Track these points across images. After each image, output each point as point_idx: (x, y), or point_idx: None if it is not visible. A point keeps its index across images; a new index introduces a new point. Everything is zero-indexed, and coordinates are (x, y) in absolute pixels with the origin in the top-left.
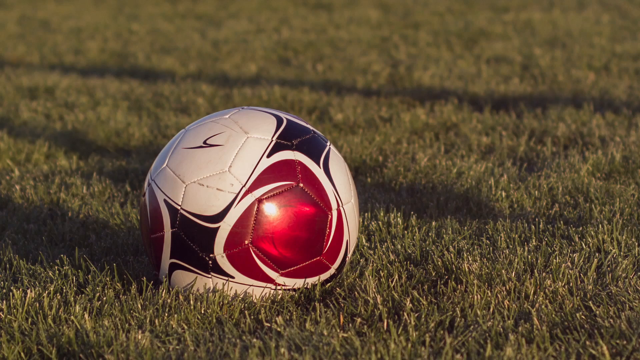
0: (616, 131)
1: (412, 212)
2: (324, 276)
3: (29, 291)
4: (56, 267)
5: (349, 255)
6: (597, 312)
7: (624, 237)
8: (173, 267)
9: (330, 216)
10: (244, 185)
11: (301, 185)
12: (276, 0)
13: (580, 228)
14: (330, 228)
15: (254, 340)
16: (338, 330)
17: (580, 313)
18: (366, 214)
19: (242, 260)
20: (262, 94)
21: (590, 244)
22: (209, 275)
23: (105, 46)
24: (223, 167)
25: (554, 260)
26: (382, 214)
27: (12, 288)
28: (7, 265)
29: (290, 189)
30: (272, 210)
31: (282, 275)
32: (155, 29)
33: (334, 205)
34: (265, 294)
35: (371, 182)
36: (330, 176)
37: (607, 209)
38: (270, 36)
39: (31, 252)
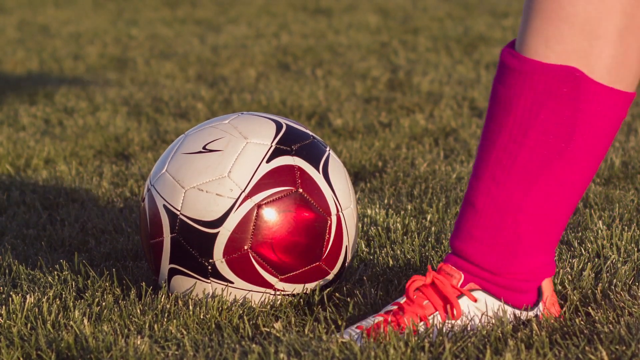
0: (616, 137)
1: (411, 218)
2: (323, 281)
3: (28, 296)
4: (55, 273)
5: (348, 260)
6: (597, 317)
7: (623, 242)
8: (172, 273)
9: (329, 222)
10: (243, 191)
11: (300, 190)
12: (275, 5)
13: (580, 233)
14: (329, 233)
15: (253, 345)
16: (337, 336)
17: (580, 318)
18: (365, 219)
19: (241, 266)
20: (262, 99)
21: (590, 250)
22: (209, 281)
23: (104, 51)
24: (222, 172)
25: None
26: (381, 219)
27: (11, 293)
28: (7, 271)
29: (289, 194)
30: (271, 216)
31: (281, 280)
32: (155, 34)
33: (333, 211)
34: (265, 299)
35: (370, 187)
36: (329, 181)
37: (607, 214)
38: (269, 41)
39: (30, 257)
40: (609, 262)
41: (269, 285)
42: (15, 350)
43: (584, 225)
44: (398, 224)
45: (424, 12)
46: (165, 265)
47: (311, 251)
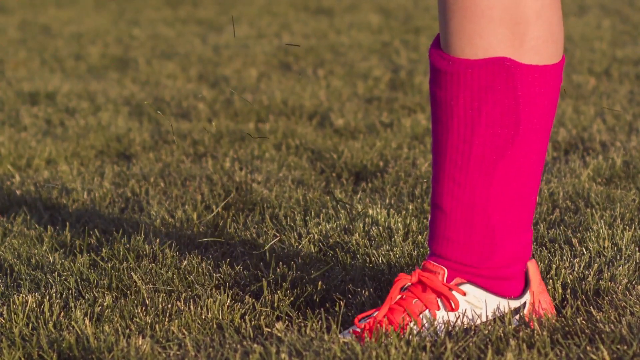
0: (617, 136)
1: (412, 218)
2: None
3: (29, 297)
4: (57, 273)
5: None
6: (598, 317)
7: (624, 242)
8: None
9: None
10: None
11: None
12: (277, 5)
13: (581, 233)
14: None
15: (255, 345)
16: (338, 336)
17: (581, 318)
18: (367, 219)
19: None
20: (263, 99)
21: (591, 249)
22: None
23: (106, 51)
24: None
25: (554, 265)
26: (382, 219)
27: (13, 293)
28: (8, 271)
29: None
30: None
31: None
32: (156, 34)
33: None
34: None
35: (372, 187)
36: None
37: (608, 214)
38: (271, 41)
39: (32, 257)
40: (610, 261)
41: None
42: (17, 350)
43: (585, 224)
44: (399, 224)
45: (426, 11)
46: None
47: None
